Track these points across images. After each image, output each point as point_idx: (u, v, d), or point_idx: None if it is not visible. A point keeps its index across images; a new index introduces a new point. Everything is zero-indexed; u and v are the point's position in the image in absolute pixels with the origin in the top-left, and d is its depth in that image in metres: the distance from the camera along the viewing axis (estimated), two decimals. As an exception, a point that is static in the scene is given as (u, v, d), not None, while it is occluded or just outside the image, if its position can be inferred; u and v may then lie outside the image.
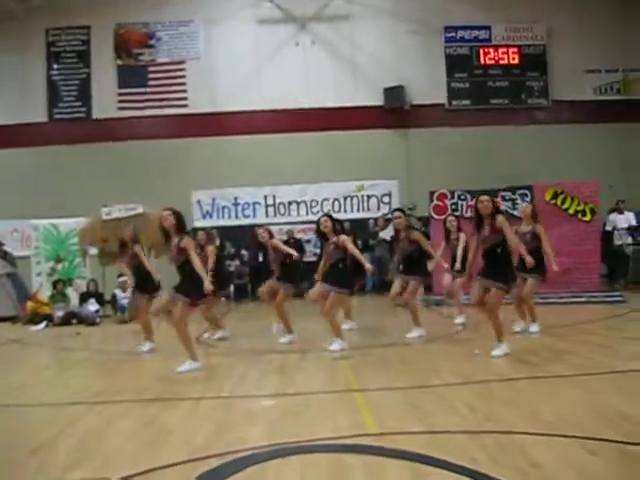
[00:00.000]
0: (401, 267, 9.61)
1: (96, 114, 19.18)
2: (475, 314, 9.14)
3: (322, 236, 8.73)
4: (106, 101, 19.09)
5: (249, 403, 6.09)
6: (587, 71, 19.37)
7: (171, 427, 5.21)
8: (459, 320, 10.58)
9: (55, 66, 19.30)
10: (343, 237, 8.55)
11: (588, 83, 19.40)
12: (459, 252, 10.43)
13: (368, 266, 8.41)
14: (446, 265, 10.53)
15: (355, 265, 8.65)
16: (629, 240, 15.83)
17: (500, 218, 7.56)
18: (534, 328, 9.26)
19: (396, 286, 9.58)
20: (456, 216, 11.49)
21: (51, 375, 8.30)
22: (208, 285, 7.47)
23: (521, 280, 8.85)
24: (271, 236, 10.18)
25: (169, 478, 4.00)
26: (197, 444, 4.67)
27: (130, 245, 9.73)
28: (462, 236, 10.51)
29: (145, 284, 9.45)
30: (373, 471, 3.98)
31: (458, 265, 10.36)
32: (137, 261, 9.65)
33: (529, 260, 8.25)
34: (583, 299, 12.75)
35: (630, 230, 15.97)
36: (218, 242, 12.08)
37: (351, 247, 8.52)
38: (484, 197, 7.71)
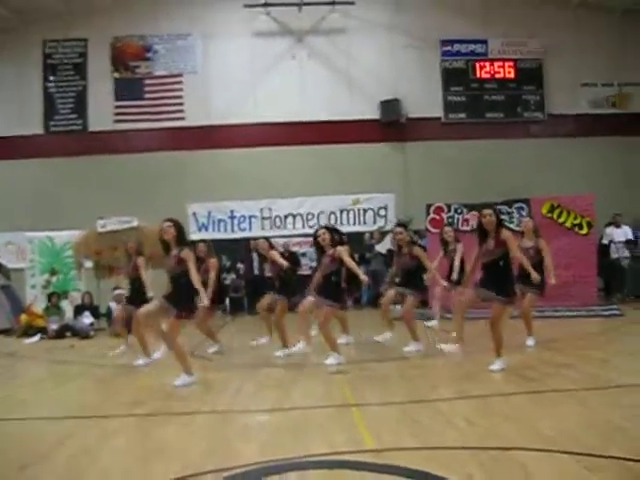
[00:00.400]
0: (397, 279, 9.57)
1: (92, 127, 19.17)
2: (475, 328, 9.11)
3: (319, 248, 8.69)
4: (102, 114, 19.08)
5: (245, 418, 6.04)
6: (583, 85, 19.45)
7: (166, 443, 5.15)
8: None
9: (52, 78, 19.29)
10: (339, 249, 8.51)
11: (583, 97, 19.48)
12: (456, 263, 10.43)
13: (363, 277, 8.38)
14: (445, 283, 10.46)
15: (350, 277, 8.64)
16: (626, 253, 15.84)
17: (506, 233, 7.55)
18: (530, 342, 9.23)
19: (390, 295, 9.59)
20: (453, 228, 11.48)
21: (44, 388, 8.23)
22: (205, 300, 7.44)
23: (520, 294, 8.83)
24: (271, 247, 10.16)
25: (163, 495, 3.94)
26: (192, 460, 4.61)
27: (134, 257, 9.72)
28: (459, 247, 10.52)
29: (138, 297, 9.41)
30: (370, 488, 3.94)
31: (455, 276, 10.36)
32: (136, 273, 9.64)
33: (535, 276, 8.27)
34: (580, 313, 12.73)
35: (627, 244, 15.98)
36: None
37: (347, 259, 8.48)
38: (487, 211, 7.64)
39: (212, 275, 10.02)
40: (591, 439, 4.66)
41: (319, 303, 8.58)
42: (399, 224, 10.37)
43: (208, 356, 9.95)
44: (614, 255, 15.94)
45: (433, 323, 10.92)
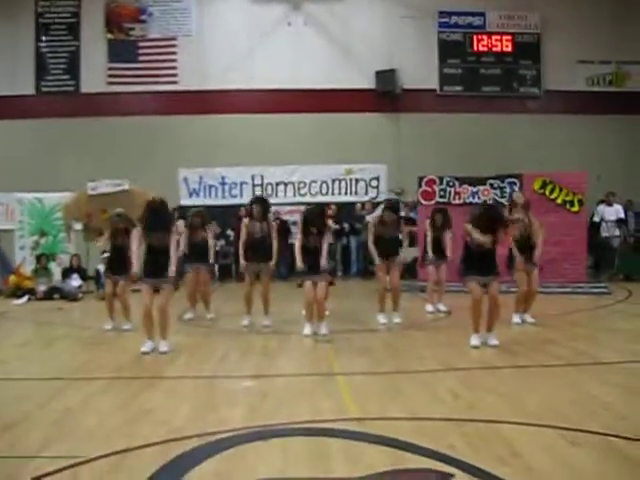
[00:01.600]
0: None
1: (84, 88, 18.90)
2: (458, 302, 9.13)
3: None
4: (95, 75, 18.80)
5: (230, 384, 6.05)
6: (580, 62, 19.28)
7: (150, 406, 5.15)
8: (441, 307, 10.58)
9: (44, 38, 18.96)
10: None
11: (580, 74, 19.32)
12: (448, 242, 10.39)
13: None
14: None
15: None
16: (616, 232, 15.87)
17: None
18: (516, 319, 9.21)
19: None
20: (443, 210, 11.24)
21: (31, 350, 8.23)
22: (172, 269, 7.55)
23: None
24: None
25: (147, 458, 3.94)
26: (176, 424, 4.62)
27: (121, 233, 9.41)
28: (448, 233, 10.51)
29: (123, 265, 9.02)
30: (352, 455, 3.95)
31: (449, 253, 10.33)
32: (126, 243, 9.19)
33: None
34: (568, 290, 12.77)
35: (618, 222, 16.00)
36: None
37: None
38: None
39: (210, 239, 10.23)
40: (575, 414, 4.69)
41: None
42: (389, 203, 10.16)
43: (196, 322, 9.97)
44: (604, 233, 15.96)
45: (443, 308, 10.75)
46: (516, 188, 13.50)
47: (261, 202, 9.69)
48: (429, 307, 10.62)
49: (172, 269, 7.53)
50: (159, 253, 7.55)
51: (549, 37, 19.15)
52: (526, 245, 8.98)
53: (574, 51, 19.01)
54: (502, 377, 6.05)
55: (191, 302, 10.45)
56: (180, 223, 10.13)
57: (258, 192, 18.17)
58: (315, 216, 8.74)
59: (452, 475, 3.58)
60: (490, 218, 7.58)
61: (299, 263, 8.58)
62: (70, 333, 9.60)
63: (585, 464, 3.73)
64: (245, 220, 9.45)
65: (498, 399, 5.18)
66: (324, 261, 8.57)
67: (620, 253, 15.52)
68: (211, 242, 10.34)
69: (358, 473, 3.62)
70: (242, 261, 9.32)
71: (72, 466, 3.78)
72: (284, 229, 10.58)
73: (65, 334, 9.52)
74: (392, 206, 9.70)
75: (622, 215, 16.17)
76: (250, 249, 9.25)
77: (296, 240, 8.96)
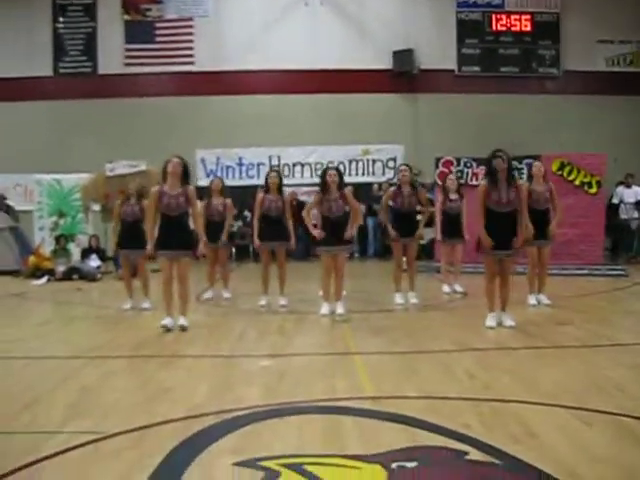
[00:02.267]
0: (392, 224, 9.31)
1: (102, 69, 19.01)
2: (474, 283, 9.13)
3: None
4: (112, 57, 18.90)
5: (248, 363, 6.11)
6: (599, 41, 19.08)
7: (169, 384, 5.22)
8: (457, 288, 10.57)
9: (61, 19, 19.05)
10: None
11: (600, 54, 19.13)
12: (465, 218, 10.34)
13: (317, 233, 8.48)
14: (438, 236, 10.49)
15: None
16: (635, 214, 15.77)
17: (524, 183, 7.61)
18: (532, 300, 9.14)
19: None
20: (459, 181, 11.29)
21: (50, 329, 8.32)
22: (203, 247, 7.79)
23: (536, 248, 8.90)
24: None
25: (166, 435, 4.00)
26: (195, 402, 4.68)
27: (133, 200, 9.51)
28: (464, 202, 10.42)
29: (139, 240, 9.02)
30: (367, 432, 3.99)
31: (465, 233, 10.27)
32: (141, 216, 9.28)
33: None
34: (585, 271, 12.73)
35: (637, 205, 15.88)
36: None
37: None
38: (499, 153, 7.40)
39: (229, 218, 10.26)
40: (590, 395, 4.70)
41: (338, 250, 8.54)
42: (406, 164, 10.06)
43: (215, 302, 10.05)
44: (623, 216, 15.87)
45: (459, 289, 10.69)
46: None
47: (277, 172, 9.78)
48: (445, 288, 10.62)
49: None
50: (174, 224, 7.51)
51: (568, 16, 18.98)
52: (542, 219, 8.78)
53: (594, 31, 18.83)
54: (517, 358, 6.07)
55: (210, 282, 10.53)
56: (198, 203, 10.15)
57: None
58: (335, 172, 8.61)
59: (466, 452, 3.61)
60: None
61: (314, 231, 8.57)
62: (89, 313, 9.72)
63: (598, 444, 3.74)
64: (260, 194, 9.36)
65: (513, 379, 5.21)
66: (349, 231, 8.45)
67: (639, 235, 15.41)
68: (230, 220, 10.33)
69: (373, 450, 3.66)
70: (256, 240, 9.28)
71: (93, 441, 3.86)
72: (301, 210, 10.58)
73: (84, 314, 9.64)
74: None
75: (641, 197, 16.07)
76: (266, 228, 9.21)
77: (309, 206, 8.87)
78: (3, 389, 5.23)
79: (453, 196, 10.50)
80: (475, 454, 3.59)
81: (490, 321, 7.46)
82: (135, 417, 4.32)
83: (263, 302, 9.43)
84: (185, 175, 7.57)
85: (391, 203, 9.43)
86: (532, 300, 9.10)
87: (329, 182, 8.42)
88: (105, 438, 3.93)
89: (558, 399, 4.57)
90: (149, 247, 7.64)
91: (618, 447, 3.70)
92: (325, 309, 8.51)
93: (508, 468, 3.44)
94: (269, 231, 9.19)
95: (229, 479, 3.37)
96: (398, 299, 9.42)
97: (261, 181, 16.01)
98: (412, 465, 3.50)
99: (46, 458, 3.61)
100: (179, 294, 7.61)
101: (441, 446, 3.74)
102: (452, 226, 10.43)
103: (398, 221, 9.28)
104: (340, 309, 8.46)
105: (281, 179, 9.43)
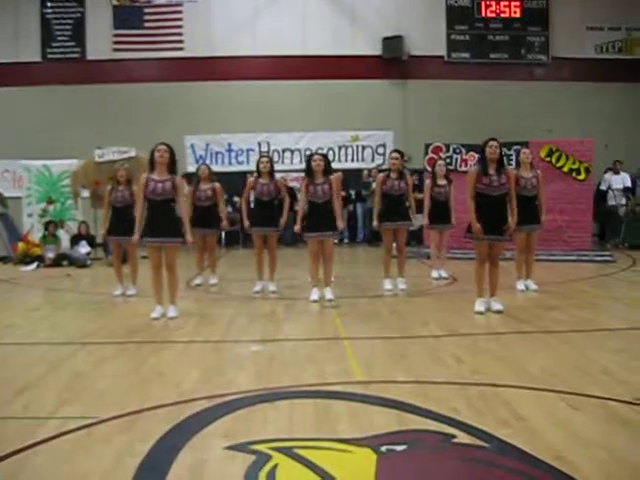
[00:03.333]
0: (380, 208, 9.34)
1: (90, 55, 18.85)
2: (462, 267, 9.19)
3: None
4: (101, 42, 18.74)
5: (238, 348, 6.15)
6: (589, 28, 19.07)
7: (161, 369, 5.26)
8: (442, 273, 10.62)
9: (49, 4, 18.86)
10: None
11: (590, 41, 19.13)
12: (452, 204, 10.37)
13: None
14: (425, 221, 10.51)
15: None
16: (623, 201, 15.88)
17: (512, 170, 7.72)
18: (520, 286, 9.24)
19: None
20: (448, 167, 11.31)
21: (41, 315, 8.30)
22: (189, 235, 7.64)
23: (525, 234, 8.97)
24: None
25: (158, 419, 4.04)
26: (186, 387, 4.72)
27: (123, 185, 9.49)
28: (451, 188, 10.44)
29: (125, 226, 8.77)
30: (358, 417, 4.05)
31: (453, 217, 10.31)
32: (131, 201, 9.27)
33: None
34: (573, 257, 12.81)
35: (625, 191, 15.99)
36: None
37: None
38: (494, 142, 7.52)
39: (221, 202, 10.18)
40: (577, 379, 4.77)
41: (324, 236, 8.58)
42: (397, 150, 10.04)
43: (205, 287, 10.08)
44: (611, 202, 15.97)
45: (444, 274, 10.73)
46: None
47: (268, 157, 9.87)
48: (434, 273, 10.68)
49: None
50: (160, 210, 7.49)
51: (558, 3, 18.98)
52: (530, 206, 8.87)
53: (583, 17, 18.84)
54: (505, 342, 6.13)
55: (199, 268, 10.55)
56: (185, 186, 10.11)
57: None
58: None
59: (454, 436, 3.67)
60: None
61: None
62: (80, 299, 9.73)
63: (585, 427, 3.81)
64: (251, 178, 9.40)
65: (501, 364, 5.27)
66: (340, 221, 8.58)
67: (626, 222, 15.51)
68: (222, 205, 10.26)
69: (362, 434, 3.72)
70: (246, 221, 9.36)
71: (86, 426, 3.89)
72: (290, 195, 10.59)
73: (75, 300, 9.66)
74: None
75: (629, 183, 16.18)
76: (259, 213, 9.25)
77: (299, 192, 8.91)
78: (-6, 375, 5.25)
79: (441, 182, 10.46)
80: (463, 437, 3.65)
81: (479, 306, 7.53)
82: (127, 402, 4.36)
83: (258, 288, 9.45)
84: (172, 163, 7.58)
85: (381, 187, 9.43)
86: (520, 286, 9.20)
87: (314, 167, 8.49)
88: (97, 423, 3.96)
89: (546, 383, 4.63)
90: (135, 237, 7.61)
91: (606, 431, 3.77)
92: (315, 295, 8.56)
93: (496, 451, 3.50)
94: (262, 216, 9.23)
95: (220, 463, 3.41)
96: (387, 285, 9.46)
97: (250, 167, 16.05)
98: (401, 448, 3.56)
99: (39, 443, 3.64)
100: (168, 281, 7.65)
101: (429, 430, 3.79)
102: (440, 212, 10.39)
103: (387, 206, 9.30)
104: (329, 295, 8.52)
105: (272, 164, 9.44)
